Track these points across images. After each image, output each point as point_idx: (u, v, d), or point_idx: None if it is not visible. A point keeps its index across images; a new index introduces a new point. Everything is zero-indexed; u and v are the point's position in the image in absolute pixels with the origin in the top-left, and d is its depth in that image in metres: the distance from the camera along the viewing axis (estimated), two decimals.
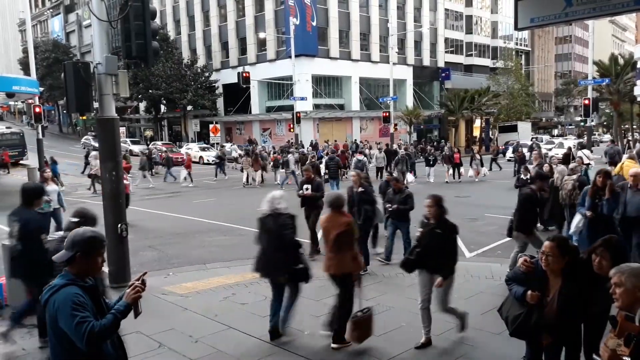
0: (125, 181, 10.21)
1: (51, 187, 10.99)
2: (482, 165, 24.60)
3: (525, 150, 28.82)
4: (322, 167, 20.09)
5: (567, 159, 22.84)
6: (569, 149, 29.19)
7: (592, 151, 25.03)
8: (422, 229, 5.64)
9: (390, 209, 9.11)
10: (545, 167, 11.93)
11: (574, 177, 9.92)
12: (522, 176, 12.17)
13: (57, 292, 2.86)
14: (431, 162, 24.09)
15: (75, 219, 4.90)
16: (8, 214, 5.94)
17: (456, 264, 5.65)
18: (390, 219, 9.43)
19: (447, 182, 23.11)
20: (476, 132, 55.57)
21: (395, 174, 10.96)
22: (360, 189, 8.79)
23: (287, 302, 5.91)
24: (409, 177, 21.17)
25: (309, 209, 10.09)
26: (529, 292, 3.87)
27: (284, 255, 5.70)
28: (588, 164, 19.36)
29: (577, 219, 8.29)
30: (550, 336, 3.93)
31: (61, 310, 2.80)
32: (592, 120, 34.37)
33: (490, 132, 54.82)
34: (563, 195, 9.85)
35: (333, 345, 5.62)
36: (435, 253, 5.46)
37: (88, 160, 24.97)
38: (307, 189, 10.02)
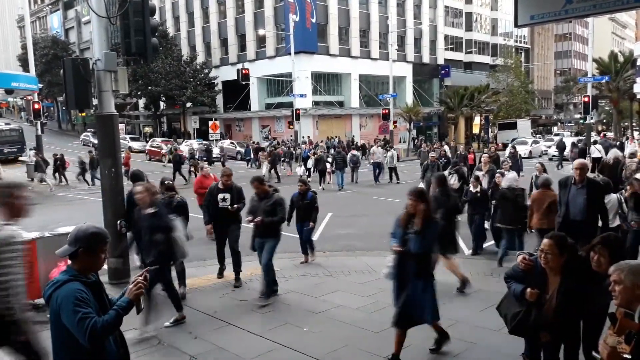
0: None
1: None
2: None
3: (523, 148, 29.30)
4: (311, 161, 23.78)
5: (583, 154, 23.40)
6: (574, 144, 29.41)
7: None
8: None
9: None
10: (497, 178, 9.96)
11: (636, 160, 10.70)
12: (471, 188, 9.70)
13: (60, 287, 2.85)
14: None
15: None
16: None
17: None
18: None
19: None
20: (476, 130, 55.57)
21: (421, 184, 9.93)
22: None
23: None
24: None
25: (225, 225, 8.02)
26: (528, 289, 3.88)
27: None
28: (600, 158, 20.20)
29: None
30: (549, 334, 3.93)
31: (64, 306, 2.79)
32: (592, 118, 34.33)
33: (490, 130, 54.82)
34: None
35: None
36: None
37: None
38: (224, 199, 7.95)
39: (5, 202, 3.75)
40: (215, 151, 34.39)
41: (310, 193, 9.28)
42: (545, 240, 3.88)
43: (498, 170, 11.00)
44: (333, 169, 21.87)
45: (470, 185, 10.01)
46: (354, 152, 25.21)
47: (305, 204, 9.14)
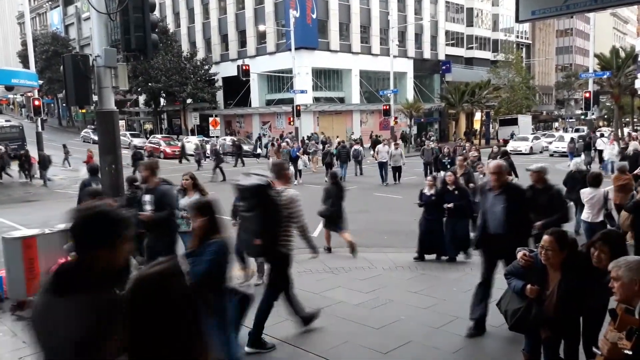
0: None
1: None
2: None
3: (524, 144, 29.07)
4: (301, 161, 24.08)
5: (588, 146, 24.02)
6: (583, 138, 29.07)
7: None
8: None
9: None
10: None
11: None
12: (425, 191, 9.18)
13: None
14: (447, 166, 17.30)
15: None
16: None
17: None
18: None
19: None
20: (477, 125, 55.52)
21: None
22: None
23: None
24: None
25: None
26: (529, 285, 3.89)
27: None
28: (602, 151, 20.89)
29: None
30: (549, 330, 3.94)
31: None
32: (593, 114, 34.31)
33: (491, 125, 54.76)
34: None
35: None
36: None
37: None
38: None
39: (282, 174, 5.69)
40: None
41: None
42: (545, 237, 3.88)
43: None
44: (338, 163, 23.67)
45: (425, 186, 9.31)
46: (357, 146, 26.19)
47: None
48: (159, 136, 43.07)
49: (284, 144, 27.13)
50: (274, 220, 5.27)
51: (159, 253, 2.66)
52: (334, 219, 9.72)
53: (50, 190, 21.02)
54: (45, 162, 23.05)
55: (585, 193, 8.19)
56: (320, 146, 30.15)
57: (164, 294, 1.67)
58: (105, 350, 1.85)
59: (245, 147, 37.72)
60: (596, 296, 3.78)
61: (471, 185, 10.02)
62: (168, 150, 36.39)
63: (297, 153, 24.45)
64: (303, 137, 36.62)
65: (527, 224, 5.69)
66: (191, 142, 38.15)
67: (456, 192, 8.83)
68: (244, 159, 31.21)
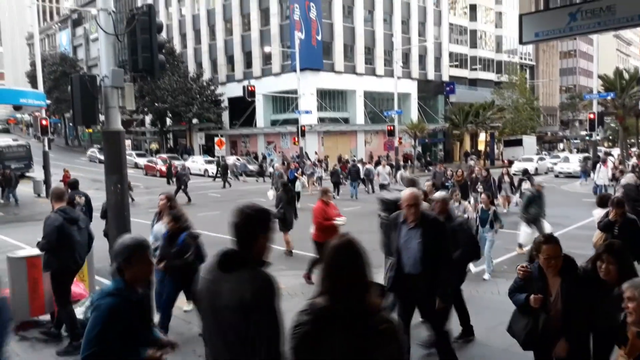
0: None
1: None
2: (514, 191, 17.85)
3: (530, 165, 28.76)
4: (299, 183, 22.31)
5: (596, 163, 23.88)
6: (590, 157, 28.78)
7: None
8: None
9: None
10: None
11: None
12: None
13: (103, 299, 2.93)
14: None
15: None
16: None
17: None
18: None
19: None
20: (481, 146, 55.52)
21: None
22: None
23: None
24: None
25: None
26: (532, 296, 3.86)
27: None
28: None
29: None
30: (559, 339, 3.86)
31: (92, 320, 2.87)
32: (598, 135, 34.27)
33: (495, 146, 54.77)
34: None
35: None
36: None
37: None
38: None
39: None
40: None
41: (184, 235, 6.19)
42: (549, 246, 3.85)
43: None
44: (348, 180, 25.22)
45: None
46: (368, 165, 27.90)
47: (174, 252, 6.13)
48: (165, 155, 43.49)
49: (277, 165, 26.37)
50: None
51: None
52: (284, 220, 11.35)
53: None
54: (10, 181, 23.01)
55: (595, 214, 8.22)
56: (318, 169, 28.89)
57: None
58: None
59: (250, 167, 37.89)
60: (607, 310, 3.74)
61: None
62: (164, 168, 36.69)
63: (295, 174, 23.23)
64: (296, 157, 36.64)
65: (448, 262, 4.86)
66: (197, 162, 38.45)
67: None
68: (229, 180, 30.49)
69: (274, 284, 2.63)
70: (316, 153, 40.06)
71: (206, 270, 2.79)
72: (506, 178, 17.57)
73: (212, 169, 36.89)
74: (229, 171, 31.67)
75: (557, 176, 33.62)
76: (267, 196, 20.07)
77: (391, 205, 6.25)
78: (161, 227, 6.75)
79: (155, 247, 6.35)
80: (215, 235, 13.95)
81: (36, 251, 6.65)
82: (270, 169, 29.02)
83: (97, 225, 8.62)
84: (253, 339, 2.56)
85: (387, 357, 2.36)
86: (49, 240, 6.02)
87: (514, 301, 4.09)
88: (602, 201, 8.22)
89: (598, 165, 22.81)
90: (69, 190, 10.47)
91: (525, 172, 20.13)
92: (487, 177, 16.70)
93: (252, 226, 2.70)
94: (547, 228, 10.21)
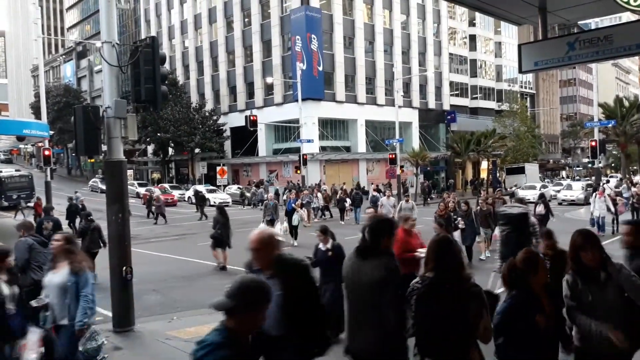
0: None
1: None
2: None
3: (531, 193, 28.60)
4: (297, 216, 18.35)
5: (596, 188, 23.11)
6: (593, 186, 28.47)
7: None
8: None
9: None
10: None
11: None
12: (321, 246, 7.26)
13: (209, 354, 2.50)
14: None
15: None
16: None
17: None
18: None
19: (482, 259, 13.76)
20: (483, 174, 55.55)
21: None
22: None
23: None
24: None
25: None
26: (536, 318, 3.77)
27: None
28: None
29: None
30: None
31: None
32: (600, 162, 34.31)
33: (498, 174, 54.79)
34: None
35: None
36: None
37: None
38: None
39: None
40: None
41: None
42: (543, 270, 3.97)
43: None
44: (352, 206, 25.80)
45: (319, 242, 7.18)
46: (375, 192, 29.04)
47: None
48: (167, 185, 43.60)
49: (271, 195, 23.53)
50: (527, 238, 6.81)
51: None
52: (220, 240, 13.28)
53: None
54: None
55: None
56: (315, 199, 27.17)
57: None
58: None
59: (248, 194, 37.81)
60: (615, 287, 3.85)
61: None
62: (161, 198, 36.80)
63: (294, 205, 19.27)
64: (292, 185, 36.24)
65: (316, 318, 3.89)
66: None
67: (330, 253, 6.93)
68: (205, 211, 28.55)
69: (398, 267, 3.93)
70: (324, 183, 39.57)
71: (349, 258, 4.11)
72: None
73: (213, 197, 36.86)
74: (205, 202, 30.32)
75: (560, 204, 33.49)
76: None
77: (514, 220, 6.94)
78: (52, 277, 5.37)
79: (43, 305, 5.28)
80: (212, 264, 13.88)
81: None
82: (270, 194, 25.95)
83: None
84: (383, 306, 3.76)
85: (475, 309, 3.47)
86: (19, 258, 6.43)
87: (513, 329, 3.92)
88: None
89: (593, 195, 20.33)
90: (42, 215, 12.53)
91: (541, 196, 19.69)
92: (468, 211, 13.55)
93: (380, 230, 3.98)
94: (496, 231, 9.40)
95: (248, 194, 37.52)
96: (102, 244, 11.63)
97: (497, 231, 8.90)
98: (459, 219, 13.20)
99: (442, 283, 3.52)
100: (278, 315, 3.62)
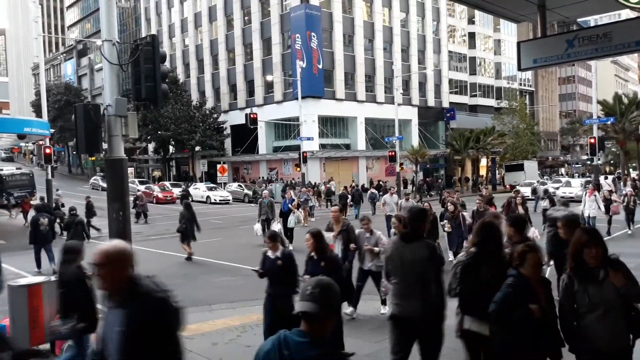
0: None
1: None
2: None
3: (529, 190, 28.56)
4: (293, 217, 16.54)
5: (597, 189, 23.03)
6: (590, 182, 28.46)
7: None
8: None
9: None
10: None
11: None
12: (269, 254, 6.29)
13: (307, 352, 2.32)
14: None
15: None
16: None
17: None
18: None
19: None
20: (482, 172, 55.59)
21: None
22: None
23: None
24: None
25: None
26: (531, 307, 3.85)
27: None
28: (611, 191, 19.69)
29: None
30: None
31: None
32: (599, 159, 34.31)
33: (497, 171, 54.85)
34: None
35: None
36: None
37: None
38: None
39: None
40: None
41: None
42: (534, 255, 4.00)
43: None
44: (352, 203, 26.82)
45: (268, 249, 6.34)
46: (373, 190, 30.17)
47: None
48: (168, 183, 43.61)
49: (265, 192, 18.83)
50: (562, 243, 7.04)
51: None
52: (186, 234, 14.33)
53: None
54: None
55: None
56: (311, 198, 26.68)
57: None
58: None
59: (258, 191, 37.78)
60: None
61: (352, 246, 8.12)
62: (160, 195, 37.33)
63: (290, 205, 17.12)
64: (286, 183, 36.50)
65: None
66: (199, 189, 38.29)
67: (322, 262, 6.04)
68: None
69: (437, 247, 5.15)
70: (325, 183, 39.32)
71: (393, 242, 5.08)
72: (520, 209, 12.97)
73: (214, 195, 36.91)
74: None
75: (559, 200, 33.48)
76: (254, 230, 16.34)
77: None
78: None
79: None
80: (218, 262, 13.95)
81: (37, 279, 6.62)
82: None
83: None
84: (427, 279, 4.63)
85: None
86: None
87: (508, 317, 3.93)
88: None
89: (583, 194, 18.58)
90: (36, 213, 13.45)
91: (546, 191, 19.47)
92: (455, 213, 11.89)
93: (418, 218, 4.87)
94: (531, 232, 9.18)
95: (258, 191, 37.23)
96: (86, 237, 12.21)
97: (532, 231, 8.70)
98: (445, 221, 11.99)
99: (485, 256, 4.36)
100: (116, 355, 2.74)
